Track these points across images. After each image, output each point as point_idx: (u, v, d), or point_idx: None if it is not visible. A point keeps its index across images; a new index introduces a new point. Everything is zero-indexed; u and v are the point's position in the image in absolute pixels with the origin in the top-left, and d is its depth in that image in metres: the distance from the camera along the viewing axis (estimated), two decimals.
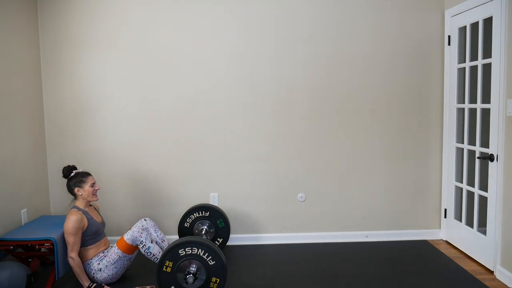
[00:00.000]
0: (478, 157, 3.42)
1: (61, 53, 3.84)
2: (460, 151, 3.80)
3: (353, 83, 3.92)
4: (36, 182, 3.73)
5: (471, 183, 3.70)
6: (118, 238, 3.93)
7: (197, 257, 2.84)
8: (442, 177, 3.99)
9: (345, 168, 4.00)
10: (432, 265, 3.44)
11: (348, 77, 3.91)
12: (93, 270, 3.10)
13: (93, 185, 3.18)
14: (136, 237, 3.08)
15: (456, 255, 3.65)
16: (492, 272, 3.28)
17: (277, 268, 3.43)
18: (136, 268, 3.46)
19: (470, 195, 3.76)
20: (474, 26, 3.53)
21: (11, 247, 3.07)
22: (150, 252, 3.08)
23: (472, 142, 3.72)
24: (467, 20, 3.53)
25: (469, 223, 3.68)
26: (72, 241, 2.98)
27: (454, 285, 3.07)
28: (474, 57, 3.60)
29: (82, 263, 3.10)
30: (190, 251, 2.84)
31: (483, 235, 3.39)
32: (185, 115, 3.92)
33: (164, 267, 2.84)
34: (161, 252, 3.10)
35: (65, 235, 3.00)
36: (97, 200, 3.24)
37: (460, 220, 3.79)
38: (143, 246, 3.08)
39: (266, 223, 4.04)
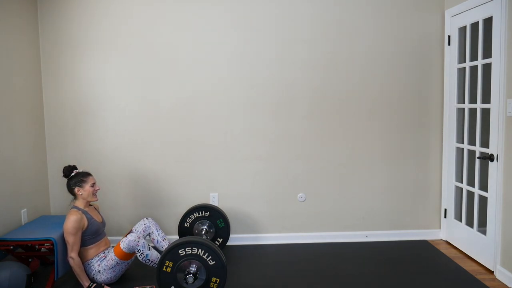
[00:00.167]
0: (478, 157, 3.42)
1: (61, 53, 3.84)
2: (460, 151, 3.80)
3: (353, 83, 3.92)
4: (36, 182, 3.73)
5: (471, 183, 3.71)
6: (118, 238, 3.94)
7: (197, 257, 2.84)
8: (442, 177, 3.99)
9: (345, 168, 4.00)
10: (432, 265, 3.44)
11: (348, 77, 3.91)
12: (94, 271, 3.10)
13: (93, 185, 3.18)
14: (132, 246, 3.05)
15: (456, 255, 3.65)
16: (492, 272, 3.28)
17: (277, 268, 3.43)
18: (136, 268, 3.46)
19: (470, 195, 3.76)
20: (474, 26, 3.53)
21: (11, 247, 3.07)
22: (149, 260, 3.07)
23: (472, 142, 3.72)
24: (467, 20, 3.53)
25: (469, 223, 3.68)
26: (72, 241, 2.98)
27: (454, 285, 3.07)
28: (474, 57, 3.60)
29: (83, 263, 3.10)
30: (190, 251, 2.84)
31: (483, 235, 3.39)
32: (185, 115, 3.92)
33: (164, 267, 2.84)
34: (159, 257, 3.06)
35: (65, 235, 3.00)
36: (96, 200, 3.24)
37: (460, 220, 3.79)
38: (140, 254, 3.06)
39: (266, 223, 4.04)
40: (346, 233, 4.06)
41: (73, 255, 2.98)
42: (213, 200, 4.00)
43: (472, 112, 3.78)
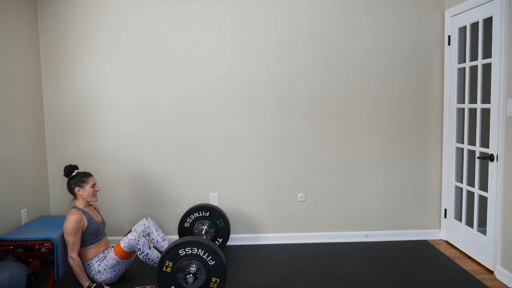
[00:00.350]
0: (478, 157, 3.42)
1: (61, 53, 3.84)
2: (460, 151, 3.80)
3: (353, 83, 3.92)
4: (36, 182, 3.73)
5: (471, 183, 3.71)
6: (118, 238, 3.94)
7: (197, 257, 2.84)
8: (442, 177, 3.99)
9: (345, 168, 4.00)
10: (432, 265, 3.44)
11: (348, 77, 3.91)
12: (94, 271, 3.10)
13: (93, 185, 3.18)
14: (133, 245, 3.06)
15: (456, 255, 3.65)
16: (492, 272, 3.28)
17: (277, 268, 3.43)
18: (136, 268, 3.46)
19: (470, 195, 3.76)
20: (474, 26, 3.53)
21: (11, 247, 3.07)
22: (149, 258, 3.08)
23: (472, 142, 3.72)
24: (467, 20, 3.53)
25: (469, 223, 3.68)
26: (72, 241, 2.98)
27: (454, 285, 3.07)
28: (474, 57, 3.60)
29: (82, 263, 3.10)
30: (190, 251, 2.84)
31: (483, 235, 3.39)
32: (185, 115, 3.92)
33: (164, 267, 2.84)
34: (160, 257, 3.08)
35: (65, 235, 3.00)
36: (96, 200, 3.24)
37: (460, 220, 3.79)
38: (141, 253, 3.07)
39: (266, 223, 4.04)
40: (346, 233, 4.06)
41: (73, 255, 2.98)
42: (213, 200, 4.00)
43: (472, 112, 3.78)
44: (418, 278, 3.20)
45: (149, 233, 3.39)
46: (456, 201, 3.84)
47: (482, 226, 3.50)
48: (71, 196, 3.28)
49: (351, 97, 3.93)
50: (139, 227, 3.38)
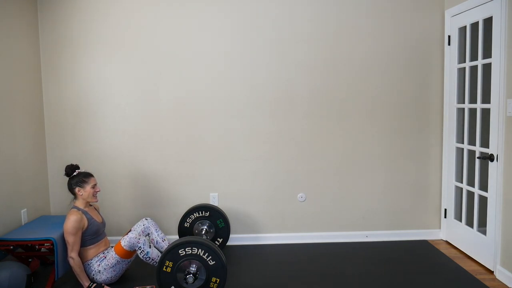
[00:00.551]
0: (478, 157, 3.42)
1: (61, 53, 3.84)
2: (460, 151, 3.80)
3: (353, 83, 3.92)
4: (36, 182, 3.73)
5: (471, 183, 3.71)
6: (118, 238, 3.94)
7: (197, 257, 2.84)
8: (442, 177, 3.99)
9: (345, 168, 4.00)
10: (432, 265, 3.44)
11: (348, 77, 3.91)
12: (93, 271, 3.10)
13: (94, 186, 3.18)
14: (133, 243, 3.07)
15: (456, 255, 3.65)
16: (492, 272, 3.28)
17: (277, 268, 3.43)
18: (136, 268, 3.46)
19: (470, 195, 3.76)
20: (474, 26, 3.53)
21: (11, 247, 3.07)
22: (149, 257, 3.07)
23: (472, 142, 3.72)
24: (467, 20, 3.53)
25: (469, 223, 3.68)
26: (72, 241, 2.98)
27: (454, 285, 3.07)
28: (474, 57, 3.60)
29: (82, 263, 3.10)
30: (190, 251, 2.84)
31: (483, 235, 3.39)
32: (185, 115, 3.92)
33: (164, 267, 2.84)
34: (160, 256, 3.08)
35: (65, 235, 3.00)
36: (96, 201, 3.24)
37: (460, 220, 3.79)
38: (141, 252, 3.07)
39: (266, 223, 4.04)
40: (346, 233, 4.06)
41: (73, 255, 2.98)
42: (213, 200, 4.00)
43: (472, 112, 3.78)
44: (418, 278, 3.20)
45: (148, 234, 3.38)
46: (456, 201, 3.84)
47: (482, 226, 3.49)
48: (71, 196, 3.28)
49: (351, 97, 3.93)
50: (138, 227, 3.37)
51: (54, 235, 3.03)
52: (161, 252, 3.34)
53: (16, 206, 3.42)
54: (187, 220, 3.73)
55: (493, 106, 3.19)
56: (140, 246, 3.07)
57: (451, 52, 3.79)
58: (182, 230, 3.74)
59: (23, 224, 3.47)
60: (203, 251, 2.84)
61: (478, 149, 3.45)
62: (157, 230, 3.37)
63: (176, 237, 3.96)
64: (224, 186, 4.00)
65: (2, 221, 3.23)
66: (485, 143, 3.52)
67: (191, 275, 2.80)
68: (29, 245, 3.17)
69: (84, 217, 3.08)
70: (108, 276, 3.10)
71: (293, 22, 3.87)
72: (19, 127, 3.50)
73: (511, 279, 3.03)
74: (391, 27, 3.88)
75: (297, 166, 3.98)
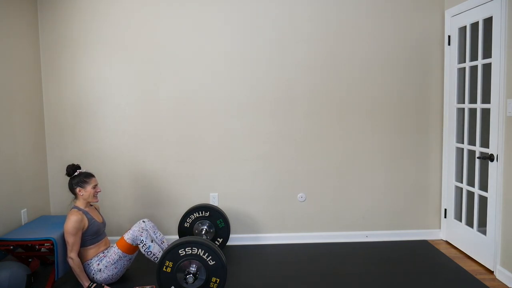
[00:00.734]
0: (478, 157, 3.42)
1: (61, 53, 3.84)
2: (460, 151, 3.80)
3: (353, 83, 3.92)
4: (36, 182, 3.73)
5: (471, 183, 3.71)
6: (118, 238, 3.94)
7: (197, 257, 2.84)
8: (442, 177, 3.99)
9: (345, 168, 4.00)
10: (432, 265, 3.44)
11: (348, 77, 3.91)
12: (93, 271, 3.10)
13: (95, 186, 3.18)
14: (136, 236, 3.08)
15: (456, 255, 3.65)
16: (492, 272, 3.28)
17: (277, 268, 3.43)
18: (136, 268, 3.46)
19: (470, 195, 3.76)
20: (474, 26, 3.53)
21: (11, 247, 3.07)
22: (151, 252, 3.08)
23: (472, 142, 3.72)
24: (467, 20, 3.53)
25: (469, 223, 3.68)
26: (72, 241, 2.98)
27: (454, 285, 3.07)
28: (474, 57, 3.60)
29: (82, 263, 3.10)
30: (190, 251, 2.84)
31: (483, 235, 3.39)
32: (185, 115, 3.92)
33: (164, 267, 2.84)
34: (161, 252, 3.10)
35: (65, 235, 3.00)
36: (97, 201, 3.24)
37: (460, 220, 3.79)
38: (143, 246, 3.08)
39: (266, 223, 4.04)
40: (346, 233, 4.06)
41: (72, 255, 2.98)
42: (213, 200, 4.00)
43: (472, 112, 3.78)
44: (418, 278, 3.20)
45: None
46: (456, 201, 3.84)
47: (482, 226, 3.49)
48: (72, 196, 3.28)
49: (351, 97, 3.93)
50: (136, 228, 3.35)
51: (54, 235, 3.03)
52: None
53: (16, 206, 3.42)
54: (187, 220, 3.73)
55: (493, 106, 3.19)
56: (142, 240, 3.07)
57: (451, 52, 3.79)
58: (182, 230, 3.74)
59: (23, 224, 3.47)
60: (203, 251, 2.84)
61: (478, 149, 3.45)
62: (155, 232, 3.34)
63: (176, 237, 3.96)
64: (224, 186, 4.00)
65: (2, 221, 3.23)
66: (485, 143, 3.52)
67: (191, 275, 2.80)
68: (29, 245, 3.17)
69: (84, 217, 3.08)
70: (109, 274, 3.10)
71: (293, 22, 3.87)
72: (19, 127, 3.50)
73: (511, 279, 3.03)
74: (391, 27, 3.88)
75: (297, 166, 3.99)
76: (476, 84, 3.50)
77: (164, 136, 3.93)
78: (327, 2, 3.86)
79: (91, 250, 3.13)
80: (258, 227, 4.04)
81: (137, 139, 3.93)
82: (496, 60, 3.14)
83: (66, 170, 3.19)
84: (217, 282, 2.85)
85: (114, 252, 3.10)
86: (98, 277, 3.09)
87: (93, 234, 3.12)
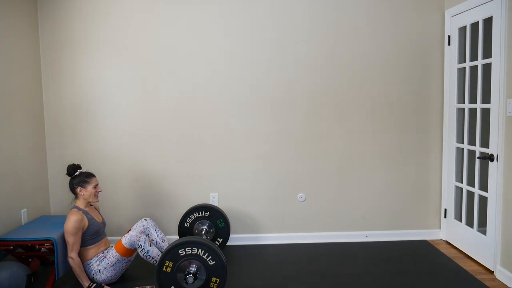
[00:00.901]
0: (478, 157, 3.42)
1: (61, 53, 3.84)
2: (460, 151, 3.80)
3: (353, 83, 3.92)
4: (36, 182, 3.73)
5: (471, 183, 3.71)
6: (118, 238, 3.94)
7: (197, 257, 2.84)
8: (442, 177, 3.99)
9: (345, 168, 4.00)
10: (432, 265, 3.44)
11: (348, 77, 3.91)
12: (93, 271, 3.10)
13: (95, 186, 3.18)
14: (134, 241, 3.07)
15: (456, 255, 3.65)
16: (492, 272, 3.28)
17: (277, 268, 3.43)
18: (136, 268, 3.46)
19: (470, 195, 3.76)
20: (474, 26, 3.53)
21: (11, 247, 3.07)
22: (149, 256, 3.08)
23: (472, 142, 3.72)
24: (467, 20, 3.53)
25: (469, 223, 3.68)
26: (72, 241, 2.98)
27: (454, 285, 3.08)
28: (474, 57, 3.60)
29: (82, 263, 3.10)
30: (190, 251, 2.84)
31: (483, 235, 3.39)
32: (185, 115, 3.92)
33: (164, 267, 2.84)
34: (160, 255, 3.09)
35: (65, 235, 3.00)
36: (97, 201, 3.24)
37: (460, 220, 3.79)
38: (141, 250, 3.07)
39: (266, 223, 4.04)
40: (346, 233, 4.06)
41: (72, 255, 2.98)
42: (213, 200, 4.00)
43: (472, 112, 3.78)
44: (418, 278, 3.20)
45: (148, 234, 3.38)
46: (456, 201, 3.84)
47: (482, 226, 3.50)
48: (72, 196, 3.28)
49: (351, 97, 3.93)
50: (138, 227, 3.36)
51: (54, 235, 3.03)
52: (161, 252, 3.34)
53: (16, 206, 3.42)
54: (187, 220, 3.73)
55: (493, 106, 3.19)
56: (140, 244, 3.07)
57: (451, 52, 3.79)
58: (182, 230, 3.74)
59: (23, 224, 3.47)
60: (203, 251, 2.84)
61: (478, 149, 3.45)
62: (157, 231, 3.36)
63: (176, 237, 3.96)
64: (224, 186, 4.00)
65: (2, 221, 3.23)
66: (485, 143, 3.52)
67: (191, 275, 2.80)
68: (29, 245, 3.17)
69: (84, 217, 3.08)
70: (108, 275, 3.10)
71: (293, 22, 3.87)
72: (19, 127, 3.50)
73: (511, 279, 3.03)
74: (391, 27, 3.88)
75: (297, 166, 3.99)
76: (476, 84, 3.50)
77: (164, 136, 3.93)
78: (327, 2, 3.86)
79: (91, 250, 3.13)
80: (258, 227, 4.05)
81: (137, 139, 3.93)
82: (496, 60, 3.14)
83: (67, 170, 3.19)
84: (217, 282, 2.86)
85: (112, 255, 3.09)
86: (98, 277, 3.10)
87: (93, 234, 3.12)
